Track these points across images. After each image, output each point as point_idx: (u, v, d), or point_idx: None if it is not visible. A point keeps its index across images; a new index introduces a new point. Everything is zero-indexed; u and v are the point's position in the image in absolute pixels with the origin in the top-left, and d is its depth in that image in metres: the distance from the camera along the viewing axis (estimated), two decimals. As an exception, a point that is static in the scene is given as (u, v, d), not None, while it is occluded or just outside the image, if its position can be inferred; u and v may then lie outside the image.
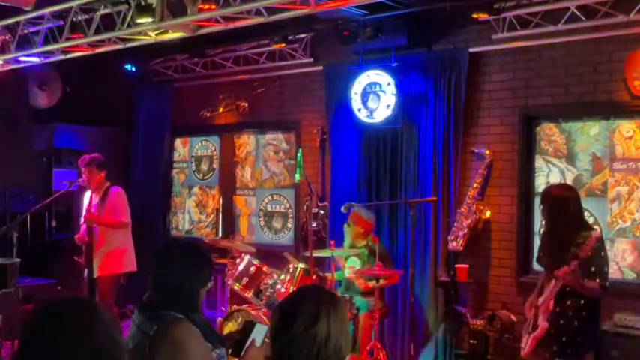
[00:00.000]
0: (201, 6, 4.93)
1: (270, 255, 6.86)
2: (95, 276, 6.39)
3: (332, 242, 5.81)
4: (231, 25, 5.30)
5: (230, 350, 2.98)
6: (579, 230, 4.32)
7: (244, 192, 8.46)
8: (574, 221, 4.39)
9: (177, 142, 9.17)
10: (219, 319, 6.01)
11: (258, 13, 5.07)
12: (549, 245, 4.50)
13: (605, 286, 4.27)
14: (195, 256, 2.90)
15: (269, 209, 8.19)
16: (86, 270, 6.51)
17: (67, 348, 1.73)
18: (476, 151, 6.29)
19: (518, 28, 6.01)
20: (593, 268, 4.21)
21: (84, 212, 6.56)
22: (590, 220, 5.81)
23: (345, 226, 6.19)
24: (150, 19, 5.19)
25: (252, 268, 5.91)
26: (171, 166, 9.16)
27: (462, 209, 6.18)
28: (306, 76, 7.57)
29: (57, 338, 1.74)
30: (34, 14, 6.09)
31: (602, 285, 4.24)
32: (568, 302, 4.29)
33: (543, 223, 4.56)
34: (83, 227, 6.53)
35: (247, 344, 2.89)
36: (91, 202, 6.55)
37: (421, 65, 6.52)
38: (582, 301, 4.27)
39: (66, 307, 1.83)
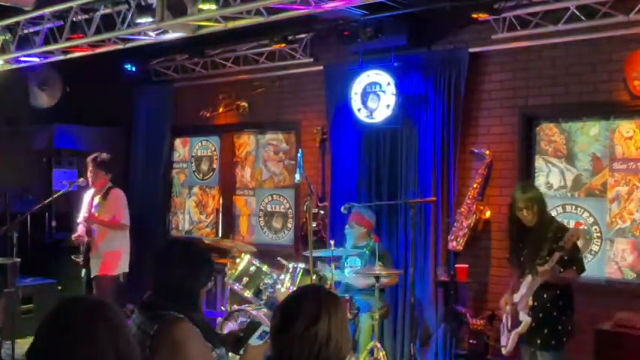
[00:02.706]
0: (201, 6, 4.93)
1: (270, 255, 6.85)
2: (93, 276, 6.37)
3: (332, 242, 5.82)
4: (231, 25, 5.30)
5: (230, 346, 2.99)
6: (551, 224, 4.60)
7: (244, 192, 8.46)
8: (550, 217, 4.75)
9: (177, 142, 9.18)
10: (219, 319, 6.02)
11: (258, 13, 5.07)
12: (532, 243, 4.58)
13: (583, 270, 4.55)
14: (196, 256, 2.90)
15: (269, 209, 8.19)
16: (83, 270, 6.46)
17: (66, 349, 1.72)
18: (476, 151, 6.29)
19: (518, 28, 6.01)
20: (566, 257, 4.39)
21: (83, 212, 6.54)
22: (590, 221, 5.83)
23: (347, 227, 6.15)
24: (150, 19, 5.20)
25: (252, 268, 5.91)
26: (171, 166, 9.16)
27: (462, 209, 6.18)
28: (306, 76, 7.56)
29: (58, 340, 1.74)
30: (34, 14, 6.10)
31: (579, 271, 4.51)
32: (545, 295, 4.46)
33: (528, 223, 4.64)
34: (81, 227, 6.50)
35: (249, 343, 2.90)
36: (91, 201, 6.52)
37: (421, 65, 6.52)
38: (558, 292, 4.47)
39: (70, 307, 1.82)
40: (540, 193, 4.80)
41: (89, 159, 6.51)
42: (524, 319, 4.47)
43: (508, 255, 4.95)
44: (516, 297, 4.58)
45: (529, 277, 4.49)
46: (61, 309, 1.81)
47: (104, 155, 6.52)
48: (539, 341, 4.48)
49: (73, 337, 1.73)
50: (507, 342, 4.60)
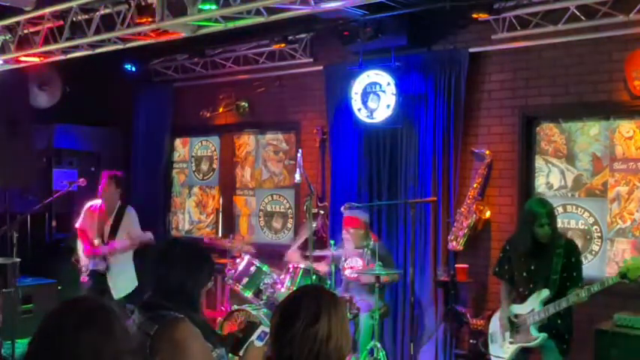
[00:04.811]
0: (201, 6, 4.93)
1: (270, 255, 6.85)
2: (116, 298, 5.80)
3: (332, 242, 5.83)
4: (231, 25, 5.30)
5: (230, 348, 2.99)
6: (560, 238, 4.59)
7: (244, 192, 8.46)
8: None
9: (177, 142, 9.18)
10: (219, 319, 6.02)
11: (258, 13, 5.07)
12: (544, 258, 4.50)
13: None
14: (196, 256, 2.90)
15: (269, 209, 8.19)
16: (81, 275, 6.34)
17: (52, 351, 1.72)
18: (476, 151, 6.29)
19: (518, 28, 6.01)
20: (575, 274, 4.43)
21: (94, 228, 6.22)
22: (590, 221, 5.83)
23: (344, 233, 6.12)
24: (150, 19, 5.19)
25: (252, 268, 5.92)
26: (171, 166, 9.16)
27: (462, 209, 6.18)
28: (306, 76, 7.56)
29: (46, 340, 1.73)
30: (34, 14, 6.09)
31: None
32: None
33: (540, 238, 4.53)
34: (87, 246, 6.19)
35: (248, 344, 2.90)
36: (100, 221, 6.25)
37: (421, 65, 6.52)
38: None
39: (65, 309, 1.81)
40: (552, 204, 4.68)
41: (108, 177, 6.27)
42: (541, 335, 4.42)
43: (497, 268, 4.91)
44: (522, 309, 4.53)
45: (543, 293, 4.41)
46: (57, 310, 1.80)
47: (117, 172, 6.37)
48: (565, 346, 4.47)
49: (59, 339, 1.72)
50: (506, 354, 4.59)
